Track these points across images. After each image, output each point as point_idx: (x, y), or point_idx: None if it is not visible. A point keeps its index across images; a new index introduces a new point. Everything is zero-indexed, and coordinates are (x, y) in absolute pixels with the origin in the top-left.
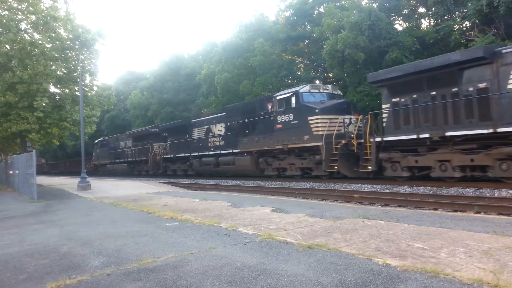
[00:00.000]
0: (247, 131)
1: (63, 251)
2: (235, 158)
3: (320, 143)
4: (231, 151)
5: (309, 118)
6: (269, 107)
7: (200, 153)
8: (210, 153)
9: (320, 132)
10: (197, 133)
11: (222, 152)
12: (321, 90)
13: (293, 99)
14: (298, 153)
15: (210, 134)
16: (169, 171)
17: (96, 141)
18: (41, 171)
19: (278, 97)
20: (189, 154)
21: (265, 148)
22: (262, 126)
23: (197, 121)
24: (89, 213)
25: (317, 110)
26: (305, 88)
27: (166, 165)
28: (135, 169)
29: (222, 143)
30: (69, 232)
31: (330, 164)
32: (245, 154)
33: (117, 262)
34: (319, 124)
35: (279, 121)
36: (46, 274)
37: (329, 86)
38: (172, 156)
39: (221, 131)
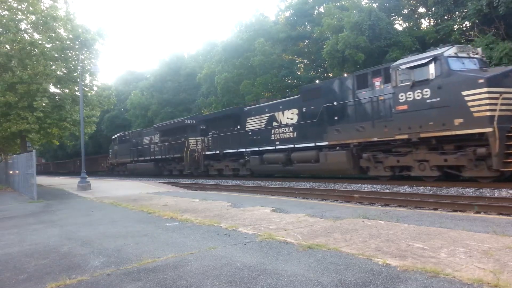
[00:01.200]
0: (336, 118)
1: (63, 251)
2: (319, 153)
3: (488, 129)
4: (312, 144)
5: (465, 92)
6: (377, 83)
7: (260, 148)
8: (277, 147)
9: (488, 113)
10: (254, 123)
11: (296, 146)
12: (471, 55)
13: (433, 67)
14: (434, 146)
15: (275, 123)
16: (212, 170)
17: (113, 137)
18: (46, 171)
19: (403, 66)
20: (243, 150)
21: (375, 139)
22: (367, 109)
23: (254, 108)
24: (89, 213)
25: (481, 81)
26: (450, 50)
27: (208, 163)
28: (165, 168)
29: (294, 134)
30: (69, 232)
31: (505, 161)
32: (337, 148)
33: (117, 262)
34: (486, 101)
35: (402, 100)
36: (46, 274)
37: (479, 49)
38: (217, 152)
39: (292, 119)
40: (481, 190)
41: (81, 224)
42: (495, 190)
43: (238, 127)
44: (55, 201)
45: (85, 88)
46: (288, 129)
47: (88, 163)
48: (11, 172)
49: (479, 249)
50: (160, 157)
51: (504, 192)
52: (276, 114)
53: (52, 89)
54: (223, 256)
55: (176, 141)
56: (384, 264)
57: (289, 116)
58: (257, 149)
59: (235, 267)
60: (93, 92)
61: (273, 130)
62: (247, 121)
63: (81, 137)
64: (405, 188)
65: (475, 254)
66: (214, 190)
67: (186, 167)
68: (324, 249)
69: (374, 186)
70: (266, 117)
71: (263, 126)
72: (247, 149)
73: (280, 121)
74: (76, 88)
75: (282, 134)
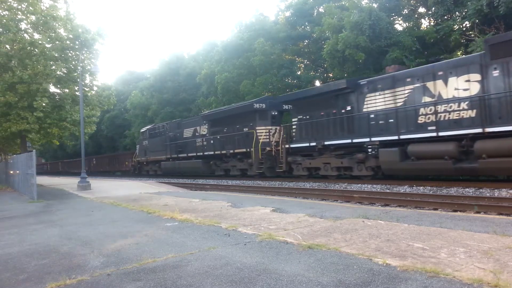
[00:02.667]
0: None
1: (63, 251)
2: None
3: None
4: None
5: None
6: None
7: (402, 137)
8: (440, 134)
9: None
10: (380, 101)
11: (488, 131)
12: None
13: None
14: None
15: (427, 98)
16: (299, 170)
17: (142, 130)
18: (54, 171)
19: None
20: (364, 140)
21: None
22: None
23: (380, 79)
24: (89, 213)
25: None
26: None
27: (294, 160)
28: (219, 167)
29: (474, 112)
30: (69, 232)
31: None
32: None
33: (117, 262)
34: None
35: None
36: (46, 274)
37: None
38: (310, 145)
39: (467, 89)
40: (481, 190)
41: (81, 224)
42: (495, 190)
43: (349, 108)
44: (55, 201)
45: (85, 88)
46: (462, 105)
47: (107, 161)
48: (11, 172)
49: (479, 249)
50: (211, 153)
51: (504, 192)
52: (431, 84)
53: (52, 89)
54: (223, 256)
55: (235, 132)
56: (384, 264)
57: (462, 85)
58: (393, 138)
59: (235, 267)
60: (93, 92)
61: (423, 109)
62: (367, 99)
63: (81, 137)
64: (405, 188)
65: (475, 254)
66: (214, 190)
67: (254, 166)
68: (324, 249)
69: (374, 186)
70: (404, 91)
71: (400, 103)
72: (372, 139)
73: (439, 93)
74: (76, 88)
75: (446, 114)
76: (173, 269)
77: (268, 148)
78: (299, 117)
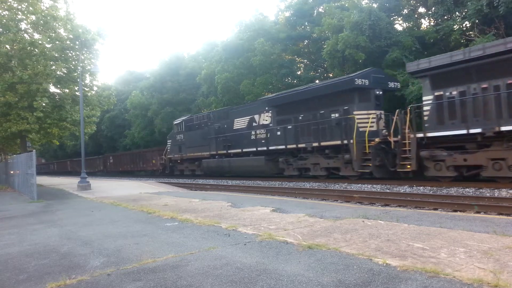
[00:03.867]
0: None
1: (63, 251)
2: None
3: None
4: None
5: None
6: None
7: None
8: None
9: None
10: None
11: None
12: None
13: None
14: None
15: None
16: (444, 169)
17: (175, 122)
18: (62, 171)
19: None
20: None
21: None
22: None
23: None
24: (89, 213)
25: None
26: None
27: (432, 154)
28: (292, 165)
29: None
30: (69, 232)
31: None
32: None
33: (117, 262)
34: None
35: None
36: (46, 274)
37: None
38: (472, 131)
39: None
40: (481, 190)
41: (81, 224)
42: (495, 190)
43: None
44: (55, 201)
45: (85, 88)
46: None
47: (128, 160)
48: (11, 172)
49: (479, 249)
50: (280, 147)
51: (504, 192)
52: None
53: (52, 89)
54: (223, 256)
55: (318, 119)
56: (384, 264)
57: None
58: None
59: (235, 267)
60: (93, 92)
61: None
62: None
63: (81, 137)
64: (405, 188)
65: (475, 254)
66: (214, 190)
67: (356, 163)
68: (324, 249)
69: (374, 186)
70: None
71: None
72: None
73: None
74: (76, 88)
75: None
76: (173, 269)
77: (377, 139)
78: (437, 93)
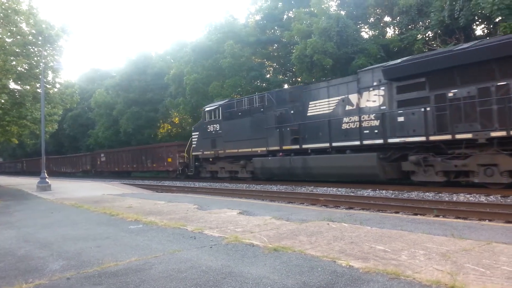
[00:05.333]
0: None
1: (20, 254)
2: None
3: None
4: None
5: None
6: None
7: None
8: None
9: None
10: None
11: None
12: None
13: None
14: None
15: None
16: None
17: (207, 109)
18: (35, 170)
19: None
20: None
21: None
22: None
23: None
24: (48, 214)
25: None
26: None
27: None
28: (433, 167)
29: None
30: (27, 234)
31: None
32: None
33: (77, 265)
34: None
35: None
36: (0, 278)
37: None
38: None
39: None
40: (440, 194)
41: (40, 226)
42: (454, 194)
43: None
44: (13, 201)
45: (47, 85)
46: None
47: (129, 158)
48: None
49: (438, 252)
50: (413, 139)
51: (461, 197)
52: None
53: (12, 85)
54: (188, 259)
55: (492, 94)
56: (347, 266)
57: None
58: None
59: (200, 270)
60: (56, 90)
61: None
62: None
63: (42, 136)
64: (368, 192)
65: (434, 256)
66: (180, 192)
67: None
68: (290, 252)
69: (339, 189)
70: None
71: None
72: None
73: None
74: (37, 85)
75: None
76: (136, 272)
77: None
78: None
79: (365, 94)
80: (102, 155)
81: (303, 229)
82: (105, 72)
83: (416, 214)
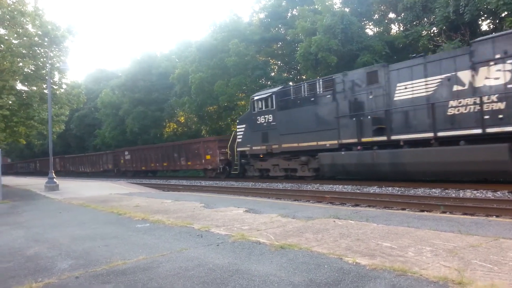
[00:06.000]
0: None
1: (29, 253)
2: None
3: None
4: None
5: None
6: None
7: None
8: None
9: None
10: None
11: None
12: None
13: None
14: None
15: None
16: None
17: (257, 97)
18: (75, 171)
19: None
20: None
21: None
22: None
23: None
24: (57, 214)
25: None
26: None
27: None
28: None
29: None
30: (36, 234)
31: None
32: None
33: (85, 264)
34: None
35: None
36: (10, 277)
37: None
38: None
39: None
40: (447, 190)
41: (48, 226)
42: (460, 191)
43: None
44: (22, 202)
45: (54, 86)
46: None
47: (158, 155)
48: None
49: (445, 248)
50: None
51: (468, 193)
52: None
53: (19, 86)
54: (195, 257)
55: None
56: (354, 263)
57: None
58: None
59: (207, 268)
60: (62, 90)
61: None
62: None
63: (49, 136)
64: (374, 189)
65: (441, 252)
66: (186, 191)
67: None
68: (296, 249)
69: (345, 186)
70: None
71: None
72: None
73: None
74: (44, 86)
75: None
76: (144, 271)
77: None
78: None
79: (482, 70)
80: (127, 153)
81: (309, 227)
82: (111, 72)
83: (422, 211)
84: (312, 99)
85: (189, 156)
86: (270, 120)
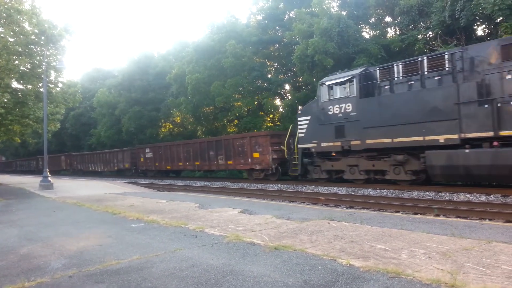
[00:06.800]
0: None
1: (22, 252)
2: None
3: None
4: None
5: None
6: None
7: None
8: None
9: None
10: None
11: None
12: None
13: None
14: None
15: None
16: None
17: (327, 82)
18: (56, 169)
19: None
20: None
21: None
22: None
23: None
24: (51, 213)
25: None
26: None
27: None
28: None
29: None
30: (29, 232)
31: None
32: None
33: (79, 264)
34: None
35: None
36: (2, 276)
37: None
38: None
39: None
40: (440, 194)
41: (42, 225)
42: (454, 194)
43: None
44: (15, 200)
45: (50, 85)
46: None
47: (189, 153)
48: None
49: (438, 251)
50: None
51: (462, 196)
52: None
53: (15, 84)
54: (190, 257)
55: None
56: (348, 265)
57: None
58: None
59: (202, 269)
60: (58, 89)
61: None
62: None
63: (44, 135)
64: (369, 191)
65: (434, 255)
66: (181, 191)
67: None
68: (290, 250)
69: (340, 188)
70: None
71: None
72: None
73: None
74: (40, 84)
75: None
76: (138, 271)
77: None
78: None
79: None
80: (148, 150)
81: (304, 228)
82: (108, 71)
83: (416, 213)
84: (413, 82)
85: (230, 154)
86: (348, 110)
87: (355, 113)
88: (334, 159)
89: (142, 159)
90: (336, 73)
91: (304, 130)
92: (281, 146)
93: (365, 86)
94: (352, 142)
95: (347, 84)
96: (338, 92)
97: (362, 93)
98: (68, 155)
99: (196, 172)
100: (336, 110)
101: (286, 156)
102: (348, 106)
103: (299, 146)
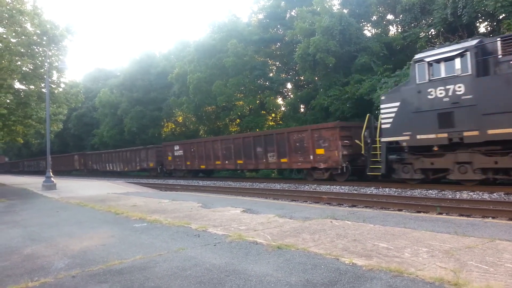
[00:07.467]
0: None
1: (26, 252)
2: None
3: None
4: None
5: None
6: None
7: None
8: None
9: None
10: None
11: None
12: None
13: None
14: None
15: None
16: None
17: (427, 58)
18: (68, 169)
19: None
20: None
21: None
22: None
23: None
24: (54, 213)
25: None
26: None
27: None
28: None
29: None
30: (33, 233)
31: None
32: None
33: (82, 263)
34: None
35: None
36: (6, 276)
37: None
38: None
39: None
40: (443, 192)
41: (45, 225)
42: (457, 192)
43: None
44: (19, 201)
45: (52, 85)
46: None
47: (230, 151)
48: None
49: (441, 249)
50: None
51: (465, 194)
52: None
53: (17, 85)
54: (192, 257)
55: None
56: (351, 264)
57: None
58: None
59: (204, 268)
60: (60, 89)
61: None
62: None
63: (47, 136)
64: (371, 190)
65: (437, 254)
66: (184, 191)
67: None
68: (293, 249)
69: (342, 187)
70: None
71: None
72: None
73: None
74: (42, 85)
75: None
76: (141, 270)
77: None
78: None
79: None
80: (177, 147)
81: (306, 227)
82: (109, 71)
83: (419, 212)
84: None
85: (283, 151)
86: (459, 92)
87: (469, 96)
88: (435, 155)
89: (169, 158)
90: (434, 48)
91: (390, 120)
92: (355, 140)
93: (485, 60)
94: (466, 133)
95: (457, 60)
96: (443, 70)
97: (480, 69)
98: (82, 154)
99: (244, 171)
100: (440, 93)
101: (363, 152)
102: (459, 87)
103: (383, 139)
